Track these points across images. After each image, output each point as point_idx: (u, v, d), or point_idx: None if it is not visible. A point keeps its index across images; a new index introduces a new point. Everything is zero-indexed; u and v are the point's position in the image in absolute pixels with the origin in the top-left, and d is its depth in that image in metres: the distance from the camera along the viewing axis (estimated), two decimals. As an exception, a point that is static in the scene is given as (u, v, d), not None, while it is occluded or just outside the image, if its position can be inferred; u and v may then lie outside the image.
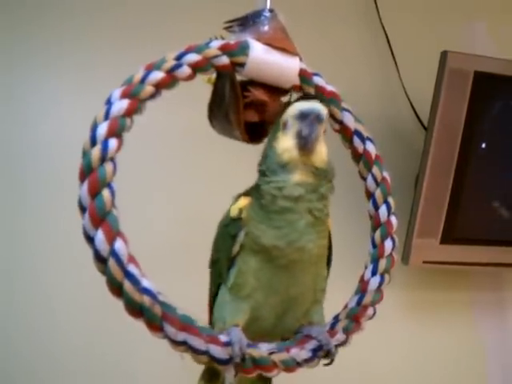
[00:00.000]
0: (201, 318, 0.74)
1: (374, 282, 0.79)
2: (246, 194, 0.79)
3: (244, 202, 0.77)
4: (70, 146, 1.51)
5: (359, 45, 1.77)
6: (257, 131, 0.80)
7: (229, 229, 0.78)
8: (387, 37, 1.75)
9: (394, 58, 1.75)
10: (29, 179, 1.49)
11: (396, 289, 1.69)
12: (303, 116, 0.72)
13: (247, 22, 0.76)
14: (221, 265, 0.79)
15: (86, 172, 0.60)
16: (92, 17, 1.55)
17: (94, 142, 0.61)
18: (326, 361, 0.78)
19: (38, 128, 1.51)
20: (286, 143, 0.72)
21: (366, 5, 1.76)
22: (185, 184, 1.55)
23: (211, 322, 0.83)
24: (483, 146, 1.58)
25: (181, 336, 0.64)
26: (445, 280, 1.79)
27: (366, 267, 0.81)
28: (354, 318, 0.79)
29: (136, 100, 0.64)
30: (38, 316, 1.45)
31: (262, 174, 0.75)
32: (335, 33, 1.74)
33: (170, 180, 1.55)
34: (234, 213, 0.77)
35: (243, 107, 0.76)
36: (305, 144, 0.71)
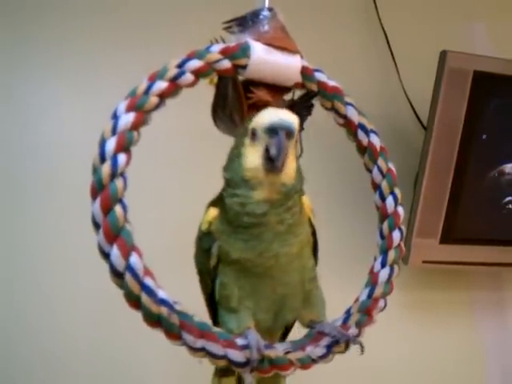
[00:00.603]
0: (204, 318, 0.74)
1: (383, 274, 0.79)
2: (216, 202, 0.77)
3: (213, 213, 0.76)
4: (70, 146, 1.53)
5: (358, 44, 1.77)
6: None
7: (202, 242, 0.77)
8: (386, 36, 1.75)
9: (393, 57, 1.75)
10: (29, 180, 1.49)
11: (395, 288, 1.68)
12: (272, 131, 0.67)
13: (246, 22, 0.75)
14: (205, 277, 0.80)
15: (98, 189, 0.61)
16: (92, 18, 1.55)
17: (103, 158, 0.61)
18: (359, 351, 0.77)
19: (38, 129, 1.51)
20: (252, 160, 0.68)
21: (365, 4, 1.77)
22: (188, 187, 1.55)
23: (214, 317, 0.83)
24: (482, 145, 1.58)
25: (199, 343, 0.66)
26: (444, 280, 1.79)
27: (375, 259, 0.81)
28: (366, 311, 0.79)
29: (142, 112, 0.64)
30: (39, 317, 1.45)
31: (226, 183, 0.72)
32: (334, 33, 1.75)
33: (172, 182, 1.55)
34: (204, 226, 0.76)
35: (247, 108, 0.76)
36: (272, 167, 0.66)
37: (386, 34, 1.75)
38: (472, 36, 1.85)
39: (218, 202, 0.76)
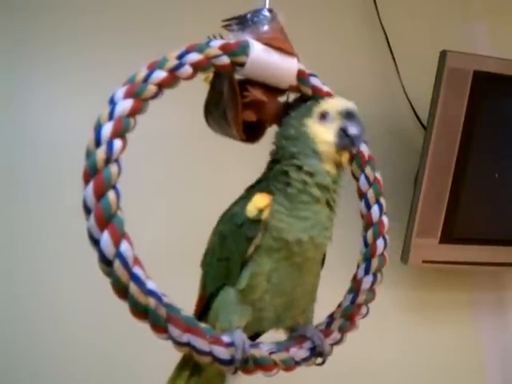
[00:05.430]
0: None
1: (366, 281, 0.80)
2: (261, 188, 0.77)
3: (263, 201, 0.74)
4: (70, 146, 1.52)
5: (359, 44, 1.77)
6: (253, 131, 0.80)
7: (244, 229, 0.74)
8: (386, 36, 1.75)
9: (393, 57, 1.75)
10: (29, 179, 1.49)
11: (395, 288, 1.69)
12: (349, 114, 0.74)
13: (246, 21, 0.75)
14: (231, 264, 0.77)
15: (91, 173, 0.59)
16: (93, 17, 1.56)
17: (98, 143, 0.60)
18: (318, 361, 0.79)
19: (39, 128, 1.52)
20: (325, 135, 0.74)
21: (365, 4, 1.77)
22: (184, 185, 1.55)
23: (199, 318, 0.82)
24: (482, 145, 1.58)
25: (185, 337, 0.65)
26: (444, 280, 1.79)
27: (358, 266, 0.82)
28: (349, 316, 0.80)
29: (139, 100, 0.63)
30: (40, 317, 1.45)
31: (291, 156, 0.74)
32: (335, 33, 1.75)
33: (169, 181, 1.55)
34: (252, 213, 0.74)
35: (241, 107, 0.76)
36: (351, 143, 0.74)
37: (386, 34, 1.75)
38: (472, 36, 1.86)
39: (264, 187, 0.76)
